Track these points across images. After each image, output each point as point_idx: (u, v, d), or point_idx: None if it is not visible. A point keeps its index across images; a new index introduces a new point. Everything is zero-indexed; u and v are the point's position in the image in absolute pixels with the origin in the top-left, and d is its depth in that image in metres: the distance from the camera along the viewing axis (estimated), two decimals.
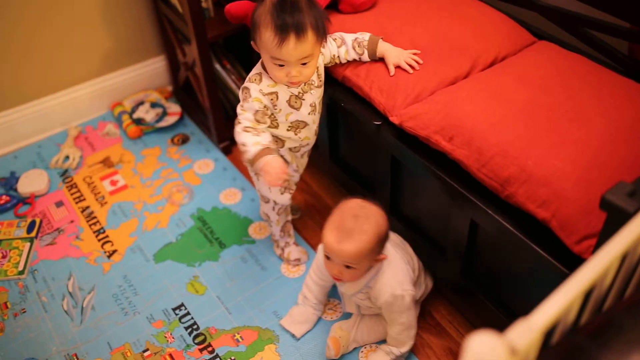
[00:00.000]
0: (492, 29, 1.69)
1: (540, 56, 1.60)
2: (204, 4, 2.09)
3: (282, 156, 1.64)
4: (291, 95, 1.51)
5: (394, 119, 1.54)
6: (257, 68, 1.52)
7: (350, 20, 1.76)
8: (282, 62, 1.42)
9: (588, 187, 1.24)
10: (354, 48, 1.62)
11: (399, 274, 1.53)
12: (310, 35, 1.39)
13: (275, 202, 1.76)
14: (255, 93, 1.48)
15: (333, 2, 1.81)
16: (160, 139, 2.39)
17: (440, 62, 1.60)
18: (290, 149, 1.65)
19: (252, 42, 1.48)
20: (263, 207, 1.82)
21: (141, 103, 2.48)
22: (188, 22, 1.99)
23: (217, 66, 2.26)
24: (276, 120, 1.54)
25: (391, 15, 1.75)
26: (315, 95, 1.56)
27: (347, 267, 1.43)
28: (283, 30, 1.36)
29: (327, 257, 1.45)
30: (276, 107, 1.51)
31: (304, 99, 1.53)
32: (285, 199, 1.75)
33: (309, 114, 1.57)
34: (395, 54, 1.59)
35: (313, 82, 1.54)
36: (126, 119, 2.42)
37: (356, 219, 1.40)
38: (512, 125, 1.38)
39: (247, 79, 1.52)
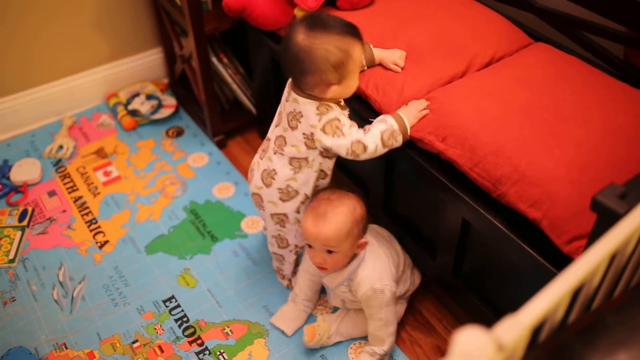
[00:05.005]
0: (489, 30, 1.69)
1: (537, 58, 1.60)
2: None
3: (324, 171, 1.55)
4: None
5: None
6: (313, 103, 1.42)
7: (348, 18, 1.75)
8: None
9: (580, 188, 1.25)
10: None
11: (379, 267, 1.54)
12: None
13: (295, 247, 1.70)
14: (337, 113, 1.43)
15: None
16: (155, 131, 2.39)
17: (437, 61, 1.61)
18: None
19: (321, 77, 1.37)
20: (276, 250, 1.72)
21: (137, 95, 2.48)
22: (185, 14, 1.98)
23: (214, 59, 2.25)
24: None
25: (388, 14, 1.75)
26: None
27: (329, 252, 1.46)
28: (359, 37, 1.41)
29: (310, 246, 1.49)
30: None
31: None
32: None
33: None
34: (389, 55, 1.60)
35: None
36: (121, 110, 2.41)
37: (329, 202, 1.47)
38: (506, 125, 1.38)
39: (320, 113, 1.41)
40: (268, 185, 1.54)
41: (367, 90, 1.60)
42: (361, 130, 1.44)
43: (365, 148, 1.42)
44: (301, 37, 1.36)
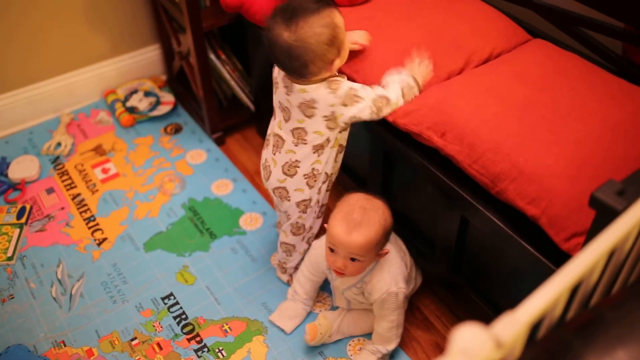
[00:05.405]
0: (487, 26, 1.69)
1: (535, 54, 1.60)
2: None
3: (342, 144, 1.59)
4: None
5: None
6: (321, 85, 1.43)
7: (345, 14, 1.75)
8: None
9: (578, 185, 1.25)
10: None
11: (395, 270, 1.53)
12: None
13: (310, 229, 1.69)
14: (347, 83, 1.45)
15: None
16: (153, 128, 2.38)
17: (435, 57, 1.60)
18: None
19: (323, 60, 1.38)
20: (289, 239, 1.71)
21: (135, 91, 2.47)
22: (183, 11, 1.98)
23: (212, 56, 2.25)
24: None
25: (386, 10, 1.75)
26: None
27: (353, 259, 1.43)
28: (332, 3, 1.44)
29: (331, 250, 1.45)
30: None
31: None
32: (319, 222, 1.72)
33: None
34: (348, 36, 1.56)
35: None
36: (119, 107, 2.41)
37: (364, 211, 1.43)
38: (505, 122, 1.38)
39: (333, 90, 1.42)
40: (292, 175, 1.55)
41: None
42: (378, 87, 1.47)
43: (388, 101, 1.46)
44: (285, 34, 1.36)
